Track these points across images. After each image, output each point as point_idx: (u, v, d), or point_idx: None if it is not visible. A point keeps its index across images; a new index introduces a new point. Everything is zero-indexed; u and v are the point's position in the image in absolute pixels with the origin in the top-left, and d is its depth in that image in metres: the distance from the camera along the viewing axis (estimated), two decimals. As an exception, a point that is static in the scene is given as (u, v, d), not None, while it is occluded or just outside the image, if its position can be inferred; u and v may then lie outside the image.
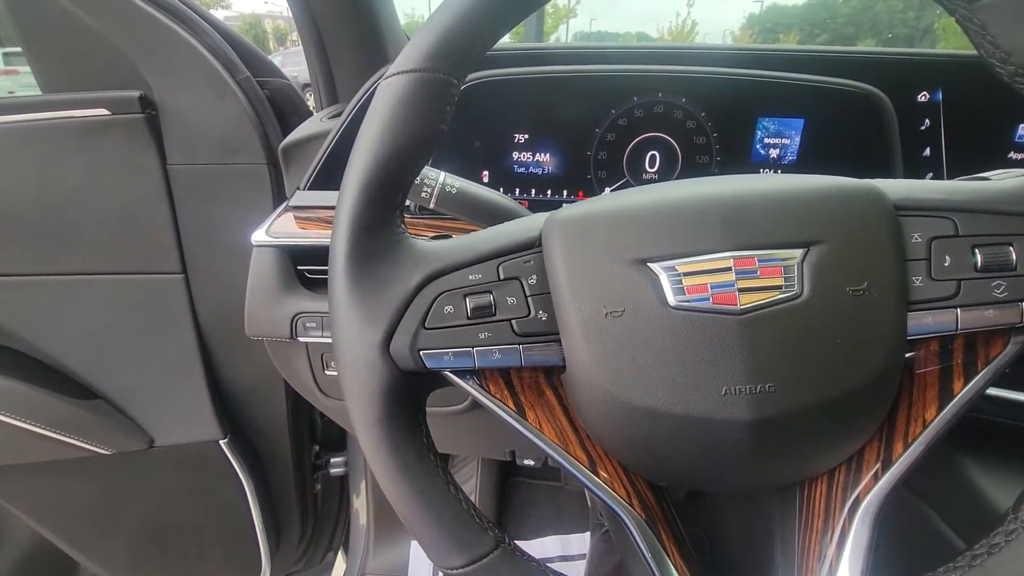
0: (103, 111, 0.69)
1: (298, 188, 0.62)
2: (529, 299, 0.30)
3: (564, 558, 1.10)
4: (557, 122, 0.58)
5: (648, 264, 0.28)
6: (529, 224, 0.32)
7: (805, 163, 0.56)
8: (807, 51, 0.58)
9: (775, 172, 0.57)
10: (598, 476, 0.31)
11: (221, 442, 0.87)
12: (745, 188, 0.30)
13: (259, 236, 0.58)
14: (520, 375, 0.32)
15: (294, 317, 0.57)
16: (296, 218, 0.61)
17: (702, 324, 0.27)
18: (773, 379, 0.27)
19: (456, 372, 0.31)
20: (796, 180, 0.31)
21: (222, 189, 0.76)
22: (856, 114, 0.54)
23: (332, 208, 0.62)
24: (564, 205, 0.35)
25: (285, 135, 0.83)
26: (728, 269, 0.27)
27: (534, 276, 0.31)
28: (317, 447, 1.10)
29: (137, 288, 0.77)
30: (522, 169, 0.60)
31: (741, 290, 0.27)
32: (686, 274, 0.28)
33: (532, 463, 0.83)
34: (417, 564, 1.09)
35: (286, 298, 0.58)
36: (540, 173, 0.60)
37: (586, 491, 0.99)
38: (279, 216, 0.61)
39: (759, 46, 0.59)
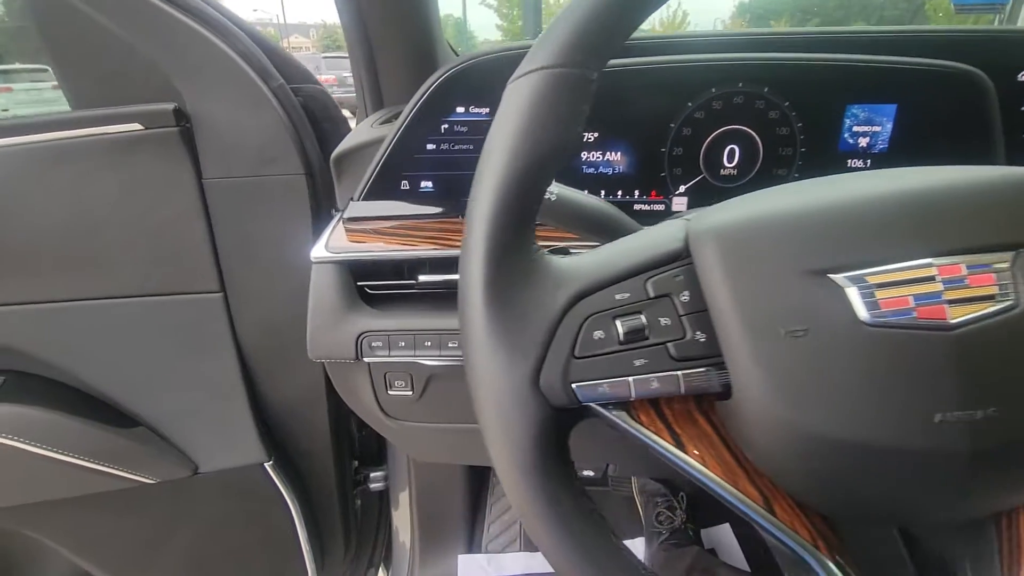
0: (136, 126, 0.66)
1: (352, 199, 0.59)
2: (683, 319, 0.27)
3: (615, 566, 1.06)
4: (629, 118, 0.55)
5: (829, 275, 0.25)
6: (669, 233, 0.29)
7: (897, 151, 0.53)
8: (897, 32, 0.54)
9: (864, 163, 0.54)
10: (775, 515, 0.27)
11: (266, 464, 0.84)
12: (927, 183, 0.27)
13: (319, 252, 0.55)
14: (670, 403, 0.29)
15: (359, 336, 0.54)
16: (348, 231, 0.58)
17: (905, 342, 0.24)
18: (996, 403, 0.23)
19: (605, 404, 0.28)
20: (978, 173, 0.27)
21: (259, 202, 0.72)
22: (954, 96, 0.51)
23: (389, 219, 0.59)
24: (700, 209, 0.31)
25: (320, 142, 0.80)
26: (932, 279, 0.24)
27: (686, 292, 0.27)
28: (356, 462, 1.07)
29: (175, 309, 0.73)
30: (591, 169, 0.56)
31: (950, 302, 0.24)
32: (879, 286, 0.24)
33: (592, 474, 0.80)
34: (465, 579, 1.06)
35: (350, 317, 0.54)
36: (610, 173, 0.56)
37: (637, 496, 0.96)
38: (333, 230, 0.58)
39: (847, 29, 0.56)
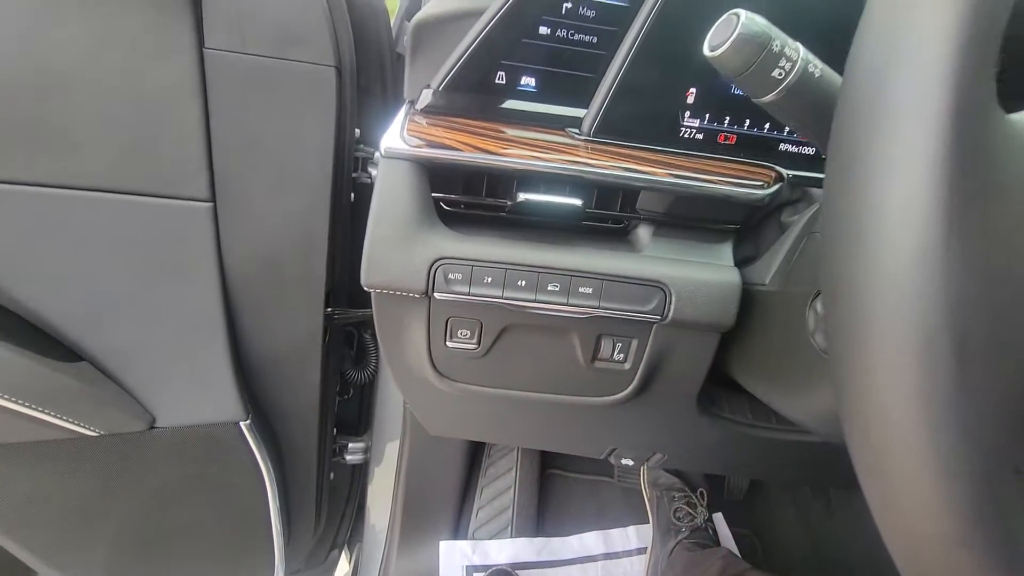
0: (122, -42, 0.48)
1: (427, 87, 0.45)
2: None
3: (609, 556, 0.99)
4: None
5: None
6: None
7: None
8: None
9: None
10: None
11: (242, 424, 0.68)
12: None
13: (393, 142, 0.41)
14: None
15: (434, 264, 0.41)
16: (420, 125, 0.44)
17: None
18: None
19: None
20: None
21: (273, 92, 0.57)
22: None
23: (474, 122, 0.46)
24: None
25: (355, 31, 0.64)
26: None
27: None
28: (334, 430, 0.93)
29: (148, 215, 0.57)
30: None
31: None
32: None
33: (631, 463, 0.70)
34: (448, 567, 0.95)
35: (425, 236, 0.41)
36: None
37: (647, 489, 0.86)
38: (406, 123, 0.44)
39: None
